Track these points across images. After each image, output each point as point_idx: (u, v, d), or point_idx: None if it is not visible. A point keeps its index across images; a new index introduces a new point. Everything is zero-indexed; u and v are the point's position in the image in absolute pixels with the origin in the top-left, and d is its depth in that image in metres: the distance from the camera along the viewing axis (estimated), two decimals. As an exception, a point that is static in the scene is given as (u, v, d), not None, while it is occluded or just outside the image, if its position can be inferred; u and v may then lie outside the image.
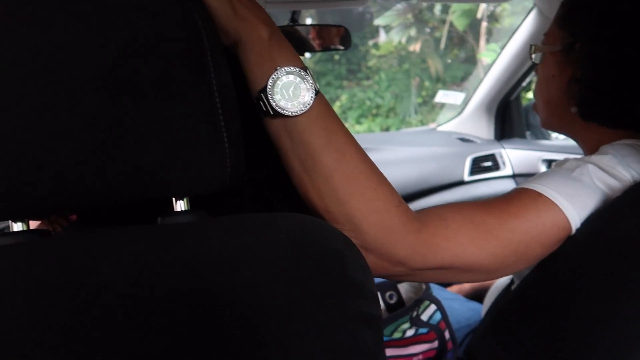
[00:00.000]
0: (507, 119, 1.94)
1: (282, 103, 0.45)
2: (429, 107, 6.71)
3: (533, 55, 0.74)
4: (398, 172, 1.68)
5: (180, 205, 0.40)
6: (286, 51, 0.46)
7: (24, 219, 0.38)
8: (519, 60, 1.67)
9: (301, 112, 0.46)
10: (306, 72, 0.46)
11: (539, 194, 0.57)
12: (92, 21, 0.34)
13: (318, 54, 5.64)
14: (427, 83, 6.74)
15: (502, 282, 0.95)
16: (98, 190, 0.36)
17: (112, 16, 0.35)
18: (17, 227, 0.38)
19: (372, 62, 6.65)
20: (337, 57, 6.63)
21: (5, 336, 0.32)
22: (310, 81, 0.46)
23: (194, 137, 0.37)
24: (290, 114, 0.45)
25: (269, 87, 0.45)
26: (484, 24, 6.21)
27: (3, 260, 0.35)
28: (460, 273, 0.56)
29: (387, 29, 6.41)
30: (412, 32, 6.34)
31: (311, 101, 0.46)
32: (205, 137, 0.38)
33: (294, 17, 1.29)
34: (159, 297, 0.34)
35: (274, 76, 0.45)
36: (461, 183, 1.72)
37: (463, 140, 1.89)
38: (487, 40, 6.31)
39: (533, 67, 1.66)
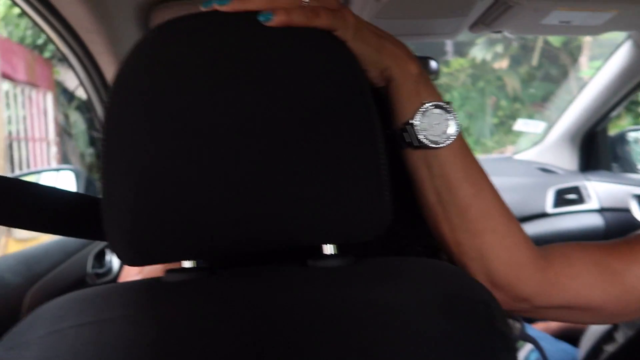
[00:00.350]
0: (593, 150, 1.86)
1: (427, 135, 0.47)
2: (506, 128, 6.33)
3: None
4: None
5: (329, 249, 0.42)
6: (431, 86, 0.49)
7: (196, 258, 0.42)
8: (610, 91, 1.61)
9: (444, 144, 0.48)
10: (450, 106, 0.48)
11: None
12: (267, 82, 0.38)
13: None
14: (504, 102, 6.39)
15: (600, 326, 0.92)
16: (262, 234, 0.39)
17: (294, 78, 0.39)
18: (187, 264, 0.42)
19: (442, 80, 6.30)
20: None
21: None
22: (454, 115, 0.48)
23: (357, 189, 0.40)
24: (434, 145, 0.48)
25: (417, 119, 0.47)
26: (587, 39, 5.52)
27: (182, 295, 0.39)
28: (581, 313, 0.55)
29: (469, 45, 6.06)
30: (499, 48, 6.01)
31: (455, 134, 0.48)
32: (367, 188, 0.40)
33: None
34: (314, 338, 0.36)
35: (421, 109, 0.47)
36: (544, 215, 1.67)
37: (544, 170, 1.84)
38: (590, 58, 5.79)
39: (626, 97, 1.60)
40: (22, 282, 0.91)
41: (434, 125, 0.47)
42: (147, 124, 0.38)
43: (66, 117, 5.19)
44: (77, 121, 5.11)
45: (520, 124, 4.05)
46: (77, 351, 0.35)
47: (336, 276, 0.40)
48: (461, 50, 6.18)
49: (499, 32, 1.20)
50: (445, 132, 0.47)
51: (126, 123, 0.38)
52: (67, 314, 0.37)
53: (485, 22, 1.11)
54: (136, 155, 0.38)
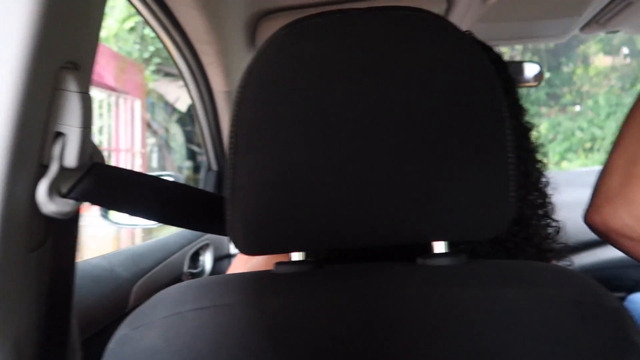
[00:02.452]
0: None
1: None
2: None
3: None
4: (574, 216, 1.53)
5: (440, 247, 0.41)
6: None
7: (308, 250, 0.43)
8: None
9: None
10: None
11: None
12: (404, 78, 0.38)
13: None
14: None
15: None
16: (373, 230, 0.39)
17: (421, 73, 0.39)
18: (297, 256, 0.43)
19: (584, 87, 5.65)
20: None
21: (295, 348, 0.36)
22: None
23: (485, 186, 0.39)
24: None
25: None
26: None
27: (292, 286, 0.40)
28: None
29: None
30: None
31: None
32: (494, 186, 0.39)
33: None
34: (431, 338, 0.36)
35: None
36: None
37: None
38: None
39: None
40: (130, 277, 0.98)
41: None
42: (276, 118, 0.39)
43: (166, 130, 5.29)
44: (176, 134, 5.20)
45: None
46: (196, 332, 0.37)
47: (450, 275, 0.39)
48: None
49: (615, 32, 1.11)
50: None
51: (256, 118, 0.39)
52: (186, 298, 0.39)
53: (599, 21, 1.03)
54: (265, 149, 0.39)
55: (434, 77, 0.39)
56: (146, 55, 5.09)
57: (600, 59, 5.64)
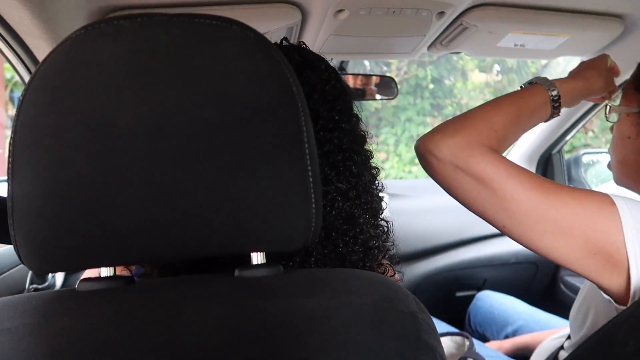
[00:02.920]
0: (549, 172, 1.91)
1: None
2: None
3: (608, 115, 0.74)
4: (435, 221, 1.67)
5: (257, 258, 0.41)
6: None
7: (112, 266, 0.40)
8: (567, 113, 1.66)
9: None
10: None
11: (612, 203, 0.58)
12: (199, 88, 0.37)
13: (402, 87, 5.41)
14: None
15: (549, 345, 0.93)
16: (187, 243, 0.38)
17: (216, 82, 0.38)
18: (105, 272, 0.40)
19: (463, 99, 6.09)
20: (420, 90, 5.97)
21: None
22: None
23: (284, 197, 0.39)
24: None
25: None
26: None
27: (93, 304, 0.38)
28: (493, 198, 0.60)
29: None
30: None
31: None
32: (294, 198, 0.40)
33: (342, 66, 1.34)
34: (233, 351, 0.36)
35: None
36: (501, 235, 1.69)
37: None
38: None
39: (579, 121, 1.65)
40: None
41: None
42: (57, 124, 0.36)
43: None
44: None
45: None
46: None
47: (263, 286, 0.39)
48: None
49: (457, 52, 1.22)
50: None
51: (36, 124, 0.37)
52: None
53: (442, 42, 1.13)
54: (46, 158, 0.36)
55: (233, 87, 0.38)
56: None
57: (476, 74, 6.15)
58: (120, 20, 0.38)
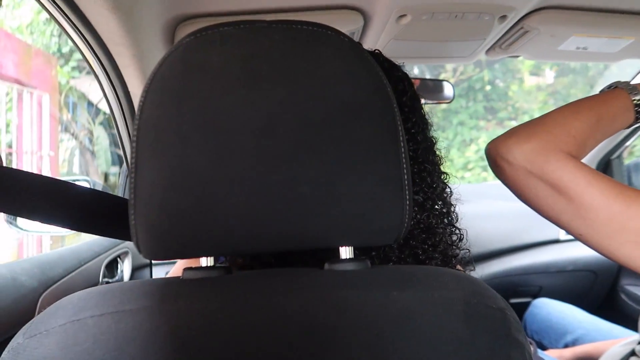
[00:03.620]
0: (608, 177, 1.85)
1: None
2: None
3: None
4: (489, 226, 1.65)
5: (346, 253, 0.43)
6: None
7: (217, 255, 0.43)
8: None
9: None
10: None
11: None
12: (301, 89, 0.40)
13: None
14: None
15: (617, 351, 0.90)
16: (281, 235, 0.41)
17: (318, 84, 0.41)
18: (205, 262, 0.43)
19: (518, 103, 5.67)
20: (472, 93, 5.63)
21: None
22: None
23: (381, 193, 0.41)
24: None
25: None
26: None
27: (200, 290, 0.41)
28: (569, 206, 0.58)
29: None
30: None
31: None
32: (390, 194, 0.42)
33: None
34: (332, 339, 0.37)
35: None
36: (556, 242, 1.65)
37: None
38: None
39: (641, 126, 1.59)
40: (37, 286, 0.93)
41: None
42: (178, 124, 0.39)
43: (90, 132, 4.74)
44: (100, 137, 4.68)
45: None
46: (97, 339, 0.36)
47: (353, 279, 0.41)
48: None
49: (516, 56, 1.21)
50: None
51: (158, 123, 0.40)
52: (87, 304, 0.39)
53: (502, 46, 1.12)
54: (166, 154, 0.39)
55: (334, 88, 0.41)
56: (66, 49, 4.58)
57: (528, 78, 5.86)
58: (226, 27, 0.41)
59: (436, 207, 0.61)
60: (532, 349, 0.88)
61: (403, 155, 0.42)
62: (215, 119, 0.39)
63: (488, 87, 5.64)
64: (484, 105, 5.75)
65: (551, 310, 1.43)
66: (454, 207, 0.66)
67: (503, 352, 0.39)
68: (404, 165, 0.42)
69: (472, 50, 1.14)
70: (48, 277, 0.98)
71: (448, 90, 1.26)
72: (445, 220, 0.64)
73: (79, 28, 0.82)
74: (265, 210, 0.39)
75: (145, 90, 0.40)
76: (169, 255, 0.41)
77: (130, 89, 1.10)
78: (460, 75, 5.57)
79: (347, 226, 0.41)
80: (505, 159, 0.62)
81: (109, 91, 1.10)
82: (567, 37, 1.07)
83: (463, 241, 0.66)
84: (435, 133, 0.69)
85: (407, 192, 0.42)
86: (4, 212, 0.48)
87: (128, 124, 1.25)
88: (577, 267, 1.63)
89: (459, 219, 0.66)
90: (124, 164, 1.47)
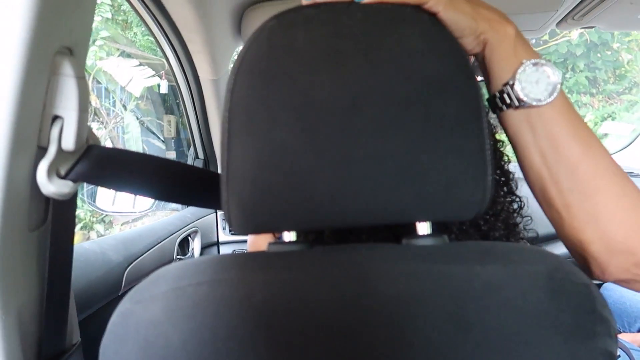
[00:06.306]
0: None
1: (529, 93, 0.46)
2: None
3: None
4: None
5: (423, 229, 0.44)
6: (528, 46, 0.48)
7: (302, 229, 0.45)
8: None
9: (547, 101, 0.47)
10: (550, 63, 0.47)
11: None
12: (385, 66, 0.41)
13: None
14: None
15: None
16: (369, 210, 0.41)
17: (401, 61, 0.41)
18: (288, 237, 0.45)
19: (637, 76, 4.15)
20: (571, 61, 4.54)
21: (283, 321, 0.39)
22: (555, 72, 0.47)
23: (465, 168, 0.41)
24: (537, 103, 0.47)
25: (517, 78, 0.47)
26: None
27: (286, 263, 0.42)
28: None
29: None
30: None
31: (557, 91, 0.47)
32: (474, 169, 0.42)
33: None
34: (419, 310, 0.38)
35: (520, 69, 0.47)
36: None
37: (631, 174, 1.73)
38: None
39: None
40: (122, 261, 1.00)
41: (534, 84, 0.46)
42: (266, 103, 0.41)
43: (122, 120, 4.05)
44: (131, 125, 4.06)
45: (606, 127, 3.48)
46: (196, 305, 0.39)
47: (434, 253, 0.41)
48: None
49: (590, 27, 1.15)
50: (547, 89, 0.46)
51: (248, 103, 0.41)
52: (185, 274, 0.41)
53: (575, 17, 1.07)
54: (257, 132, 0.41)
55: (417, 64, 0.41)
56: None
57: None
58: (306, 9, 0.43)
59: (495, 175, 0.60)
60: None
61: (485, 130, 0.42)
62: (302, 98, 0.40)
63: (599, 55, 4.50)
64: (585, 76, 4.65)
65: (624, 292, 1.37)
66: (513, 175, 0.65)
67: (588, 327, 0.38)
68: (487, 141, 0.42)
69: (542, 23, 1.09)
70: (131, 252, 1.06)
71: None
72: (505, 189, 0.63)
73: (157, 16, 0.86)
74: (349, 186, 0.40)
75: (235, 73, 0.42)
76: (257, 229, 0.43)
77: (199, 74, 1.14)
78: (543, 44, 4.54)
79: (428, 201, 0.41)
80: None
81: (179, 77, 1.15)
82: (648, 4, 1.00)
83: (524, 209, 0.64)
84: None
85: (489, 167, 0.42)
86: (98, 186, 0.52)
87: (197, 108, 1.30)
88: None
89: (517, 187, 0.65)
90: (191, 147, 1.54)
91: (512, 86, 0.47)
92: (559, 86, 0.47)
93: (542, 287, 0.39)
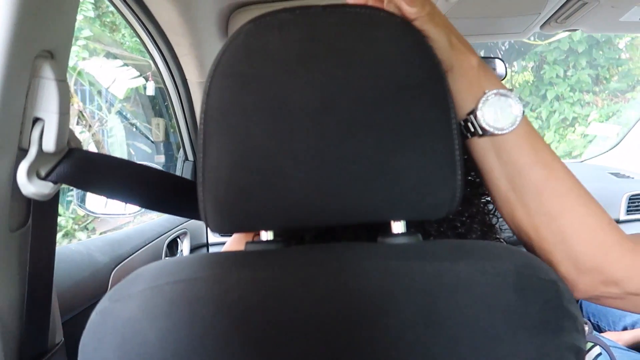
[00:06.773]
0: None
1: (492, 122, 0.48)
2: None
3: None
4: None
5: (398, 227, 0.45)
6: (491, 76, 0.50)
7: (277, 229, 0.46)
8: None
9: (510, 129, 0.48)
10: (512, 93, 0.49)
11: None
12: (356, 69, 0.42)
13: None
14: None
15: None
16: (336, 210, 0.42)
17: (372, 65, 0.42)
18: (266, 236, 0.46)
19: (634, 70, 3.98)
20: (574, 57, 4.33)
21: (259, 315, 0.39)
22: (517, 101, 0.48)
23: (434, 168, 0.43)
24: (499, 132, 0.48)
25: (480, 108, 0.48)
26: None
27: (264, 261, 0.43)
28: None
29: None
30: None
31: (519, 119, 0.48)
32: (443, 169, 0.43)
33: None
34: (391, 306, 0.39)
35: (483, 99, 0.48)
36: (617, 222, 1.59)
37: (617, 175, 1.75)
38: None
39: None
40: (108, 262, 1.00)
41: (497, 112, 0.48)
42: (242, 105, 0.42)
43: (105, 123, 3.81)
44: (115, 128, 3.91)
45: (594, 128, 3.50)
46: (173, 303, 0.39)
47: (407, 252, 0.42)
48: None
49: (573, 30, 1.17)
50: (509, 118, 0.48)
51: (224, 105, 0.42)
52: (163, 273, 0.42)
53: (558, 20, 1.09)
54: (232, 134, 0.42)
55: (388, 67, 0.42)
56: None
57: None
58: (282, 13, 0.44)
59: (469, 177, 0.60)
60: (587, 329, 0.86)
61: (455, 132, 0.43)
62: (276, 100, 0.41)
63: (594, 51, 4.41)
64: (587, 74, 4.43)
65: (610, 292, 1.39)
66: None
67: (555, 322, 0.40)
68: (456, 142, 0.43)
69: (526, 26, 1.11)
70: (118, 254, 1.06)
71: (500, 68, 1.23)
72: (481, 190, 0.64)
73: (142, 20, 0.87)
74: (322, 186, 0.41)
75: (211, 76, 0.43)
76: (234, 229, 0.44)
77: (187, 77, 1.15)
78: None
79: (400, 201, 0.42)
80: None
81: (167, 79, 1.16)
82: (629, 7, 1.02)
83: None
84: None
85: (458, 168, 0.43)
86: (78, 189, 0.52)
87: (185, 111, 1.31)
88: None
89: None
90: (181, 150, 1.54)
91: (475, 115, 0.48)
92: (520, 114, 0.48)
93: (510, 284, 0.40)
